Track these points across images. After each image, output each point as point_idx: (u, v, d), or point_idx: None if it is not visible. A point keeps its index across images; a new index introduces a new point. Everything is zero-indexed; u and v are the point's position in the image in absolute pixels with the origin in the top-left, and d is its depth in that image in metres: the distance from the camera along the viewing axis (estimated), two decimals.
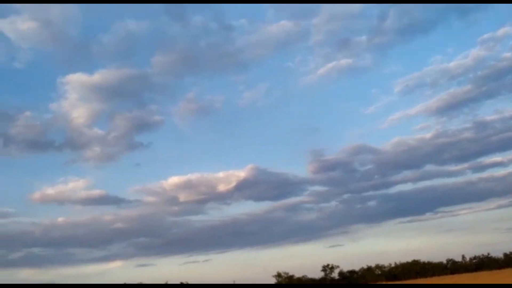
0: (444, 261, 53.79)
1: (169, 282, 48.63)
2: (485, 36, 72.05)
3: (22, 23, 57.16)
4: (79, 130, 70.30)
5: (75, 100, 69.09)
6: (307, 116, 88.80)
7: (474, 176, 70.72)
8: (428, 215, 69.24)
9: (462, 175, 72.03)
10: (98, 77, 68.37)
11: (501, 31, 71.05)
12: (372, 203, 73.58)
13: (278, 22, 75.54)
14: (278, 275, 51.33)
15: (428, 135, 73.17)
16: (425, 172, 71.88)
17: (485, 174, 70.85)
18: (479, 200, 75.47)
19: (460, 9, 69.24)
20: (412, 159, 71.74)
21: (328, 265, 52.40)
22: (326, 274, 52.34)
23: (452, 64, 73.64)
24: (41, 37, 66.11)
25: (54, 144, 68.52)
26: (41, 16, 59.02)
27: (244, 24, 74.05)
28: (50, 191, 68.80)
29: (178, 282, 50.10)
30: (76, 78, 67.73)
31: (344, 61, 75.18)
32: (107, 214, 71.16)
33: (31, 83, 67.08)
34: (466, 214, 68.49)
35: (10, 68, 58.49)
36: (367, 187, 73.79)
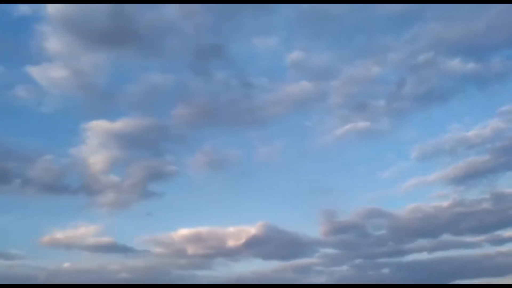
0: None
1: None
2: (503, 108, 72.05)
3: (54, 70, 59.92)
4: (96, 175, 69.97)
5: (95, 146, 69.28)
6: (321, 175, 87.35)
7: (492, 249, 67.37)
8: None
9: (480, 247, 68.68)
10: (119, 124, 68.69)
11: None
12: (385, 270, 69.99)
13: (298, 82, 77.12)
14: None
15: (445, 203, 70.66)
16: (441, 242, 68.65)
17: (504, 248, 67.45)
18: (497, 275, 71.05)
19: (478, 80, 69.90)
20: (428, 227, 69.04)
21: None
22: None
23: (470, 133, 73.27)
24: (71, 84, 68.00)
25: (70, 188, 68.44)
26: (73, 64, 61.79)
27: (265, 82, 75.63)
28: (60, 235, 67.80)
29: None
30: (99, 125, 68.01)
31: (362, 124, 75.47)
32: (113, 263, 69.37)
33: (55, 127, 68.69)
34: None
35: (37, 112, 60.30)
36: (380, 253, 70.71)
